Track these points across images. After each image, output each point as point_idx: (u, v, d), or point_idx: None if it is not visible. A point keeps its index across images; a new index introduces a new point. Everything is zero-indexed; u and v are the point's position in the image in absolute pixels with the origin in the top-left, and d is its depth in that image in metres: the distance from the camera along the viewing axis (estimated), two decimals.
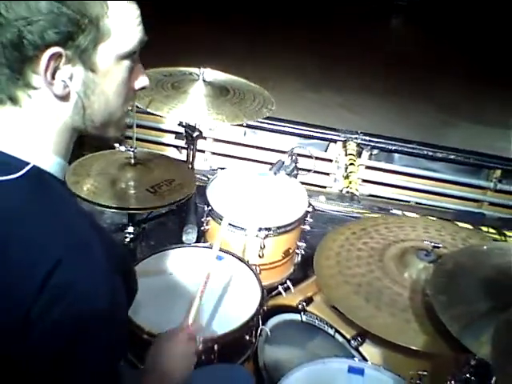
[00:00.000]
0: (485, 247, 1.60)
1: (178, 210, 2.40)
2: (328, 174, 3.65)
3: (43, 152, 0.87)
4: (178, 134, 3.68)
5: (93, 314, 0.81)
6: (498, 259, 1.49)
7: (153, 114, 2.11)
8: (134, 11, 0.88)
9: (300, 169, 2.30)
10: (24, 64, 0.81)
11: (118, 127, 0.97)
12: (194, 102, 2.06)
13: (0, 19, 0.77)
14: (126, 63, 0.89)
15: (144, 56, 0.95)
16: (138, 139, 3.49)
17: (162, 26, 5.13)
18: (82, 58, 0.83)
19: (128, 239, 2.00)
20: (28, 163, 0.85)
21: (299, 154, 2.32)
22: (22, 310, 0.77)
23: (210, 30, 5.59)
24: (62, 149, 0.90)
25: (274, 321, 1.77)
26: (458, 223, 3.21)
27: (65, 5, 0.78)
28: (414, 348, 1.44)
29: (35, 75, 0.82)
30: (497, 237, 3.11)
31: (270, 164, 3.50)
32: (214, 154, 3.72)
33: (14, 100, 0.84)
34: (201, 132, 2.22)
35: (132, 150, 1.90)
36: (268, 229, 1.95)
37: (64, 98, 0.85)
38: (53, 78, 0.82)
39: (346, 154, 3.59)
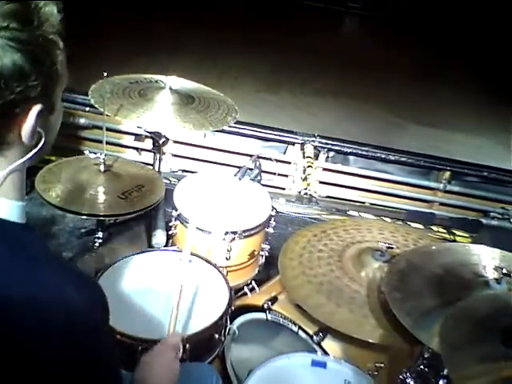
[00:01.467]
0: (433, 247, 1.74)
1: (145, 214, 2.45)
2: (287, 175, 3.75)
3: (2, 202, 0.83)
4: (137, 136, 3.72)
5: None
6: (445, 259, 1.63)
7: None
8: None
9: (264, 171, 2.37)
10: (7, 124, 0.78)
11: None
12: (162, 110, 2.11)
13: None
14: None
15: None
16: (94, 141, 3.58)
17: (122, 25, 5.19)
18: (49, 104, 0.82)
19: (97, 244, 2.05)
20: None
21: (260, 157, 2.37)
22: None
23: (170, 27, 5.62)
24: (18, 191, 0.87)
25: (240, 320, 1.84)
26: (409, 223, 3.39)
27: (46, 59, 0.77)
28: (371, 341, 1.55)
29: (10, 133, 0.79)
30: (446, 236, 3.27)
31: (230, 166, 3.62)
32: (174, 155, 3.76)
33: None
34: (167, 138, 2.28)
35: (101, 157, 1.95)
36: (234, 232, 2.02)
37: (35, 144, 0.83)
38: (32, 131, 0.80)
39: (304, 157, 3.68)
